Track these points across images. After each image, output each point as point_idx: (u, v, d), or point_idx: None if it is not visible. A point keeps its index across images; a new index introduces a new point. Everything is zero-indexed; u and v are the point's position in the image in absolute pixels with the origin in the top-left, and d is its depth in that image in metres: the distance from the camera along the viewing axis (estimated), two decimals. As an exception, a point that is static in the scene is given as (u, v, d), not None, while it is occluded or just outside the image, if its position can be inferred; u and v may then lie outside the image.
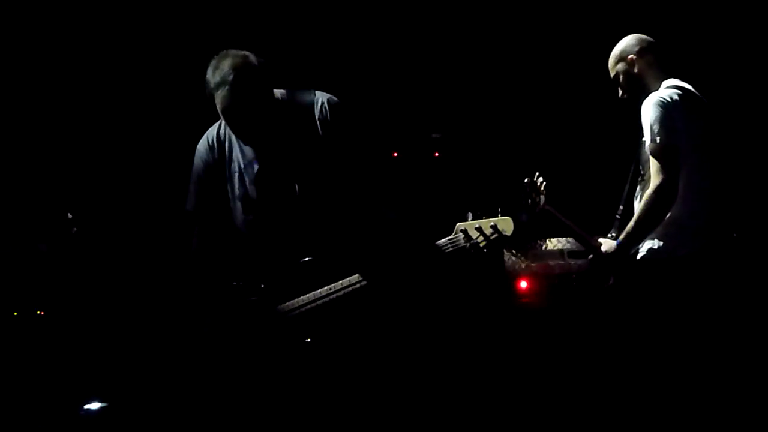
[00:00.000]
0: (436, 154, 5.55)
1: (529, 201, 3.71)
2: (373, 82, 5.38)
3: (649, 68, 3.57)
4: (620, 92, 3.64)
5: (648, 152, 3.37)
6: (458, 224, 3.04)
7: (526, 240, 5.19)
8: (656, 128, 3.35)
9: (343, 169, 3.14)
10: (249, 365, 3.10)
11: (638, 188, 3.56)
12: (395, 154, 5.53)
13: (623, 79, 3.61)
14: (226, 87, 2.92)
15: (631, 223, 3.38)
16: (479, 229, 3.02)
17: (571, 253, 5.07)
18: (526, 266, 5.08)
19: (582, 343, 4.92)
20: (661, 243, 3.38)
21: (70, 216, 4.71)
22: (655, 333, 3.37)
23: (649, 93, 3.48)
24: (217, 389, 3.11)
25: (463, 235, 3.02)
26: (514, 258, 5.07)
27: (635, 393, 3.54)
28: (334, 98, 3.19)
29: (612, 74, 3.66)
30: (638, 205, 3.41)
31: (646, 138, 3.38)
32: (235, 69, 2.93)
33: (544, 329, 5.00)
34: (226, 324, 3.12)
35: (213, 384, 3.11)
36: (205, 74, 2.97)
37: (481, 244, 3.02)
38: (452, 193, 5.12)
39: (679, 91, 3.45)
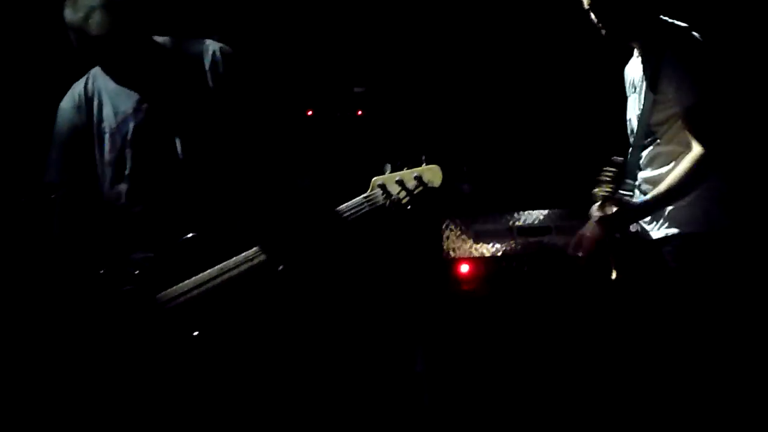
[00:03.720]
0: (360, 112, 5.56)
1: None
2: (285, 32, 5.43)
3: None
4: (600, 26, 3.52)
5: (686, 112, 3.39)
6: (374, 178, 3.08)
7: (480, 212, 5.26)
8: (706, 83, 3.37)
9: (237, 128, 3.19)
10: (124, 366, 3.10)
11: (646, 153, 3.56)
12: (310, 112, 5.56)
13: (608, 7, 3.47)
14: (97, 10, 2.97)
15: (663, 188, 3.40)
16: (400, 183, 3.04)
17: (523, 230, 5.07)
18: (464, 246, 5.04)
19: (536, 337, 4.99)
20: (699, 215, 3.45)
21: None
22: (693, 316, 3.42)
23: (636, 34, 3.49)
24: (85, 396, 3.11)
25: (381, 191, 3.05)
26: (453, 235, 5.04)
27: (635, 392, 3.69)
28: (228, 47, 3.25)
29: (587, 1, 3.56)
30: (674, 171, 3.41)
31: (686, 94, 3.38)
32: None
33: (486, 321, 5.05)
34: (94, 320, 3.12)
35: (79, 390, 3.11)
36: (65, 19, 3.04)
37: (404, 200, 3.02)
38: (378, 156, 5.11)
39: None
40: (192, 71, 3.20)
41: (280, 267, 3.09)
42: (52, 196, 3.30)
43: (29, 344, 3.42)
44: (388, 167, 3.05)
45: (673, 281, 3.46)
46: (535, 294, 5.00)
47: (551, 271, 5.00)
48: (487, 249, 5.05)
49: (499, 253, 5.04)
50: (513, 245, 5.04)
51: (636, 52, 3.62)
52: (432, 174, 3.02)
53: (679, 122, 3.43)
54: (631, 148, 3.61)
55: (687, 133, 3.42)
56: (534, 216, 5.06)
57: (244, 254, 3.09)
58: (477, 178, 4.86)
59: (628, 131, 3.66)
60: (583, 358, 4.79)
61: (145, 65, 3.13)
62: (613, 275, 3.51)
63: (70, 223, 3.31)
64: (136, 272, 3.15)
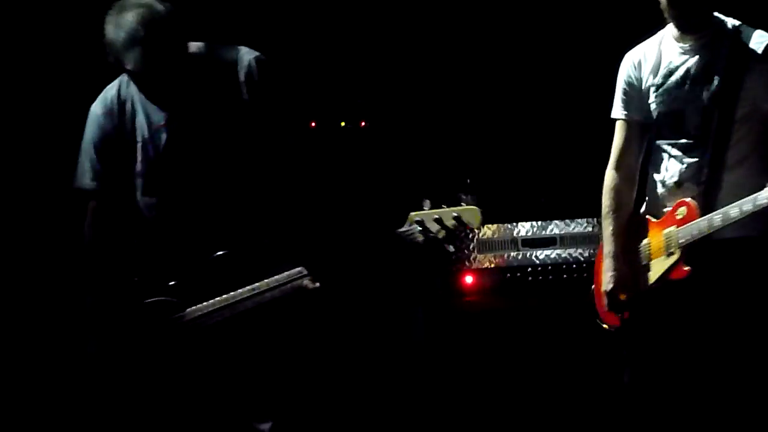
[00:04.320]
0: (363, 123, 5.50)
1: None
2: (287, 43, 5.29)
3: None
4: (672, 9, 3.46)
5: None
6: (412, 214, 3.03)
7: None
8: None
9: (272, 141, 3.14)
10: (148, 378, 3.11)
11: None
12: (313, 124, 5.49)
13: None
14: (137, 47, 2.91)
15: None
16: (439, 221, 3.03)
17: (528, 241, 5.09)
18: (471, 259, 5.03)
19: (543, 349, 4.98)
20: (761, 218, 3.35)
21: None
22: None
23: (707, 23, 3.46)
24: (107, 410, 3.13)
25: (419, 228, 3.02)
26: (457, 250, 5.02)
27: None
28: (263, 56, 3.19)
29: None
30: None
31: None
32: (144, 23, 2.91)
33: (490, 333, 5.02)
34: (121, 332, 3.13)
35: (102, 404, 3.14)
36: (104, 32, 2.97)
37: (442, 239, 3.02)
38: (386, 173, 5.13)
39: None
40: (225, 80, 3.15)
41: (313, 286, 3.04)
42: (89, 203, 3.28)
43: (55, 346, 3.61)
44: (427, 203, 3.03)
45: (735, 282, 3.44)
46: (541, 306, 4.99)
47: (558, 282, 5.04)
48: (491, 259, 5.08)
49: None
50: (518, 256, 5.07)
51: (683, 43, 3.53)
52: (471, 215, 3.02)
53: (753, 122, 3.43)
54: (684, 141, 3.54)
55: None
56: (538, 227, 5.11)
57: (276, 277, 3.08)
58: (480, 190, 4.84)
59: (670, 125, 3.56)
60: (592, 371, 4.77)
61: (178, 80, 3.07)
62: (686, 269, 3.45)
63: (103, 231, 3.26)
64: (172, 283, 3.15)
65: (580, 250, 4.98)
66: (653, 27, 3.73)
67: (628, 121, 3.68)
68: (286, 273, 3.06)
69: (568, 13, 5.35)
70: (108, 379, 3.15)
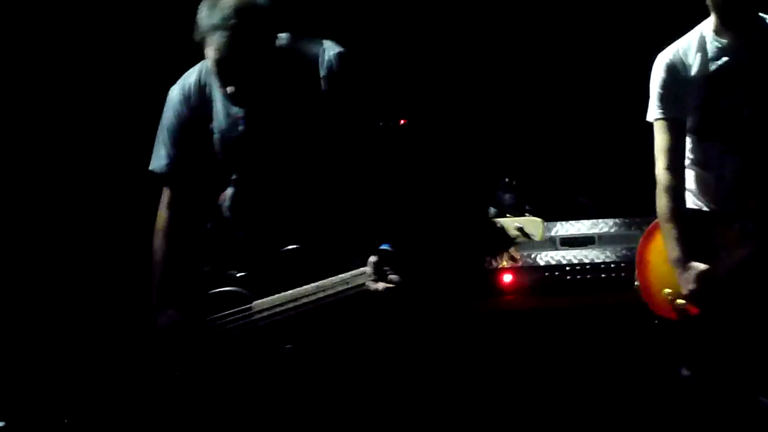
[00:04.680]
0: (403, 121, 5.32)
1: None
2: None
3: None
4: (728, 11, 3.55)
5: None
6: None
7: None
8: None
9: (350, 137, 3.12)
10: (211, 369, 3.16)
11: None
12: None
13: None
14: (226, 32, 2.85)
15: None
16: (502, 230, 3.00)
17: (567, 241, 5.06)
18: (508, 258, 5.01)
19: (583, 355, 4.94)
20: None
21: None
22: None
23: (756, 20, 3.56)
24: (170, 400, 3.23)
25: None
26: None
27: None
28: (346, 51, 3.16)
29: None
30: None
31: None
32: (239, 10, 2.86)
33: (534, 336, 4.99)
34: (188, 320, 3.18)
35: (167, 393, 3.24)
36: (197, 10, 2.92)
37: (504, 247, 3.05)
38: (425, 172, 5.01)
39: None
40: (306, 74, 3.12)
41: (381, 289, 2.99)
42: (162, 187, 3.29)
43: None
44: (492, 211, 3.09)
45: None
46: (580, 305, 4.96)
47: (597, 281, 4.99)
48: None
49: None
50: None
51: (728, 40, 3.60)
52: (534, 227, 3.01)
53: None
54: (740, 136, 3.60)
55: None
56: (577, 226, 5.09)
57: (341, 276, 3.06)
58: (520, 189, 4.82)
59: (723, 122, 3.63)
60: (639, 369, 4.78)
61: (259, 73, 3.03)
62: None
63: (176, 217, 3.28)
64: (241, 274, 3.16)
65: (618, 250, 4.97)
66: (683, 28, 3.79)
67: (674, 120, 3.70)
68: (351, 272, 3.06)
69: (604, 16, 5.40)
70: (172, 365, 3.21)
